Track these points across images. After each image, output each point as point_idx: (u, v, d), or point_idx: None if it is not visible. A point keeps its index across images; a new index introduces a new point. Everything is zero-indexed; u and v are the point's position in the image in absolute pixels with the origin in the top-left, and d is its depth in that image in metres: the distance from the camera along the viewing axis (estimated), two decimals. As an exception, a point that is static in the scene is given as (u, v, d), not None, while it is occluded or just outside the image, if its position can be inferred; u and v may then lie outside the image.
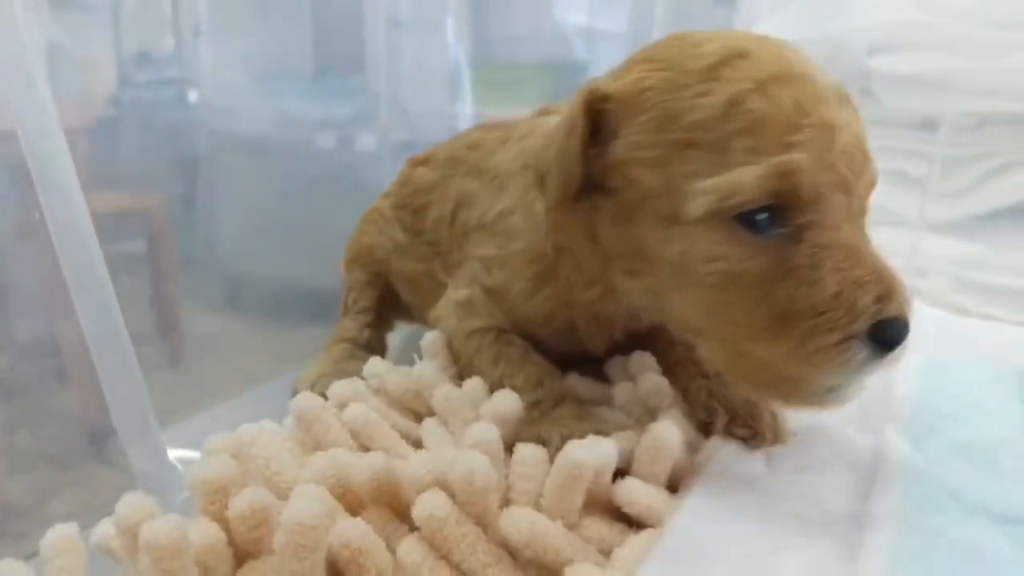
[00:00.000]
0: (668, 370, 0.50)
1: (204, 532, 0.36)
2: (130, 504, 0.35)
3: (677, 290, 0.40)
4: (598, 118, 0.41)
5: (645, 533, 0.39)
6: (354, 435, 0.46)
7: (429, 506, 0.36)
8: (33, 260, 1.83)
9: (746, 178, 0.35)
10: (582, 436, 0.41)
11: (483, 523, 0.37)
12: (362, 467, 0.37)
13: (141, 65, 2.42)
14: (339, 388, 0.51)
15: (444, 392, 0.49)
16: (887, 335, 0.35)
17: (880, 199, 1.01)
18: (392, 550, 0.37)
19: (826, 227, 0.36)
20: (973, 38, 0.91)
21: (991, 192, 0.92)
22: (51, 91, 2.02)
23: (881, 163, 0.98)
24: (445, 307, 0.54)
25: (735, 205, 0.36)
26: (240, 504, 0.35)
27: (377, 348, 0.67)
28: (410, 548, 0.36)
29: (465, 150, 0.59)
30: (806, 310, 0.35)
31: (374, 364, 0.54)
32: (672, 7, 1.83)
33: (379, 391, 0.51)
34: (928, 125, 0.96)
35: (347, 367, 0.60)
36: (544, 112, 0.56)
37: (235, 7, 2.34)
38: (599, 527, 0.39)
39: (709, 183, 0.36)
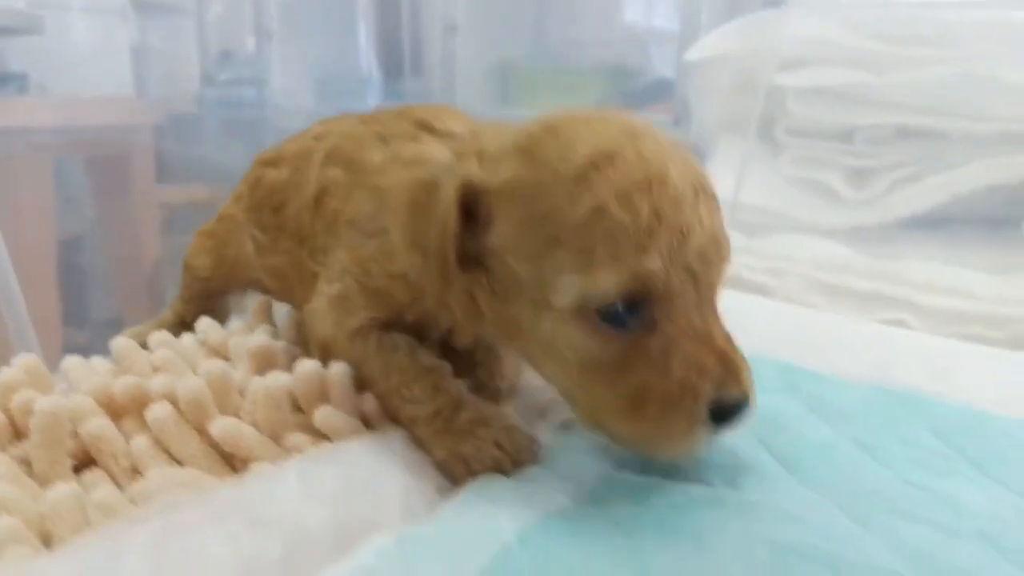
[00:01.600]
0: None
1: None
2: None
3: (547, 362, 0.46)
4: (473, 204, 0.44)
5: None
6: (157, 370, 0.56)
7: (157, 410, 0.49)
8: (109, 247, 2.07)
9: (604, 281, 0.40)
10: (492, 442, 0.46)
11: (200, 428, 0.50)
12: (122, 383, 0.51)
13: (223, 65, 2.66)
14: (157, 335, 0.62)
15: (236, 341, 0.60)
16: (726, 416, 0.41)
17: (787, 206, 1.08)
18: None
19: (676, 319, 0.41)
20: (883, 55, 0.96)
21: (898, 201, 0.96)
22: (139, 88, 2.26)
23: (796, 172, 1.05)
24: (319, 302, 0.56)
25: (595, 302, 0.41)
26: (20, 399, 0.49)
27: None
28: (139, 440, 0.49)
29: (312, 141, 0.62)
30: (656, 396, 0.41)
31: (203, 321, 0.66)
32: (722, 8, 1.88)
33: (203, 343, 0.63)
34: (843, 136, 1.01)
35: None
36: (405, 115, 0.57)
37: (304, 12, 2.54)
38: (302, 440, 0.51)
39: (574, 281, 0.41)
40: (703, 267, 0.41)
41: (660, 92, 2.23)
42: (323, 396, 0.51)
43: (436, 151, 0.52)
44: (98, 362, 0.58)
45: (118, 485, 0.48)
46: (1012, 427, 0.50)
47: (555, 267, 0.42)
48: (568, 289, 0.41)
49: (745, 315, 0.65)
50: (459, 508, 0.42)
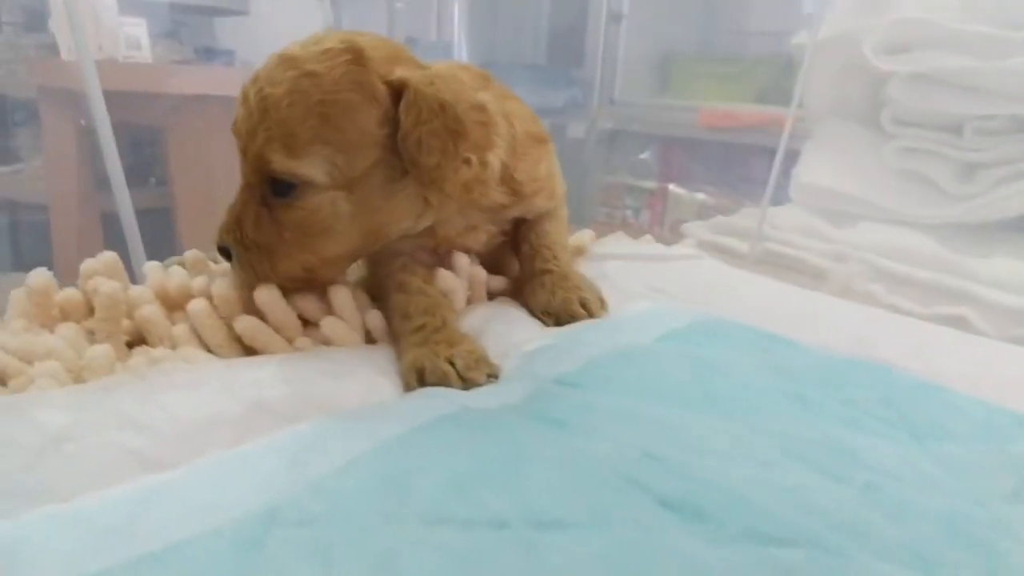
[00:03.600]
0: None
1: (68, 291, 0.60)
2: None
3: None
4: None
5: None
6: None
7: (194, 305, 0.59)
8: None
9: None
10: (446, 360, 0.52)
11: (229, 323, 0.59)
12: (175, 281, 0.62)
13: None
14: None
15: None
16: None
17: (882, 196, 1.02)
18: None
19: None
20: (992, 39, 0.90)
21: (1002, 199, 0.90)
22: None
23: (900, 162, 1.00)
24: None
25: None
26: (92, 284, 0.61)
27: None
28: (180, 327, 0.59)
29: None
30: None
31: None
32: None
33: None
34: (952, 127, 0.96)
35: None
36: None
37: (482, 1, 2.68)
38: (309, 343, 0.59)
39: None
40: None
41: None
42: (329, 310, 0.59)
43: None
44: (175, 270, 0.70)
45: (160, 362, 0.59)
46: (967, 404, 0.48)
47: None
48: None
49: (749, 293, 0.67)
50: (397, 399, 0.48)
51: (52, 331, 0.58)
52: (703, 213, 2.26)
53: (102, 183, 1.94)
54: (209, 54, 2.27)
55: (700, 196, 2.27)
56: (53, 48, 1.85)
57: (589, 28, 2.52)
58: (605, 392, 0.47)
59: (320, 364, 0.52)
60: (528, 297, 0.66)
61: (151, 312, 0.58)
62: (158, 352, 0.54)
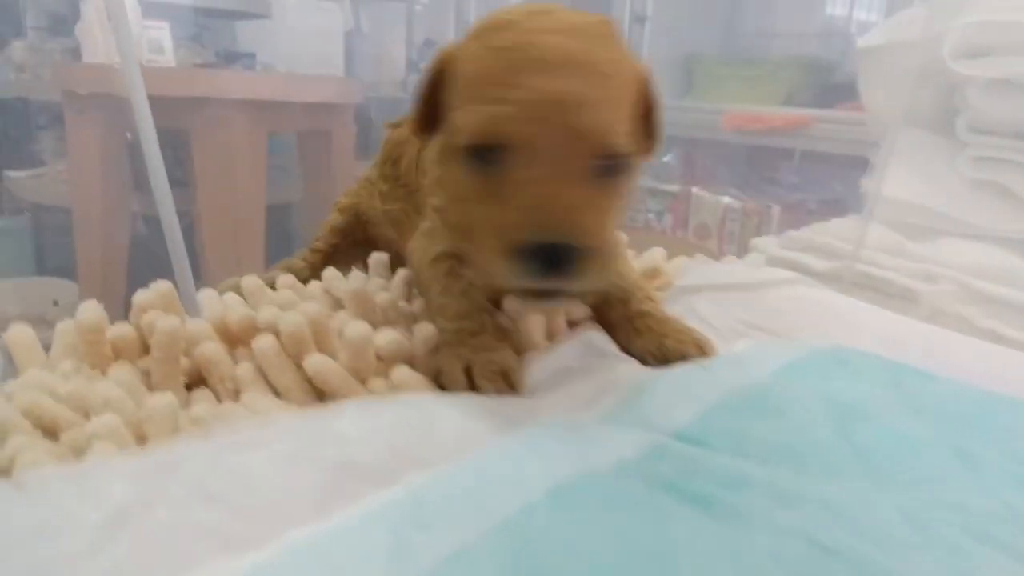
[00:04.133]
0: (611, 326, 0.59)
1: (121, 327, 0.54)
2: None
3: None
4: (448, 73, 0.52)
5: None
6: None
7: (261, 342, 0.52)
8: (312, 214, 2.23)
9: (464, 121, 0.47)
10: (464, 368, 0.50)
11: (298, 362, 0.53)
12: (237, 314, 0.55)
13: (425, 52, 2.79)
14: (284, 278, 0.67)
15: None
16: (546, 259, 0.43)
17: (959, 209, 0.95)
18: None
19: (529, 170, 0.44)
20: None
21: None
22: (348, 70, 2.40)
23: (976, 172, 0.94)
24: (415, 238, 0.63)
25: (461, 140, 0.47)
26: (148, 319, 0.54)
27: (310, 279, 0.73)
28: (244, 366, 0.52)
29: None
30: (489, 228, 0.45)
31: (329, 270, 0.68)
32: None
33: (327, 291, 0.65)
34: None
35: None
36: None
37: (499, 2, 2.61)
38: (383, 386, 0.52)
39: (454, 119, 0.49)
40: (564, 132, 0.43)
41: (857, 89, 2.07)
42: (404, 357, 0.53)
43: None
44: (230, 297, 0.63)
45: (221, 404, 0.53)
46: None
47: (453, 113, 0.48)
48: (451, 128, 0.48)
49: (858, 320, 0.60)
50: (497, 453, 0.42)
51: (104, 372, 0.52)
52: (728, 216, 2.20)
53: (128, 187, 1.90)
54: (230, 57, 2.22)
55: (725, 199, 2.20)
56: (77, 52, 1.82)
57: (612, 29, 2.45)
58: (738, 455, 0.41)
59: (402, 411, 0.46)
60: (625, 342, 0.59)
61: (212, 351, 0.52)
62: (224, 406, 0.47)
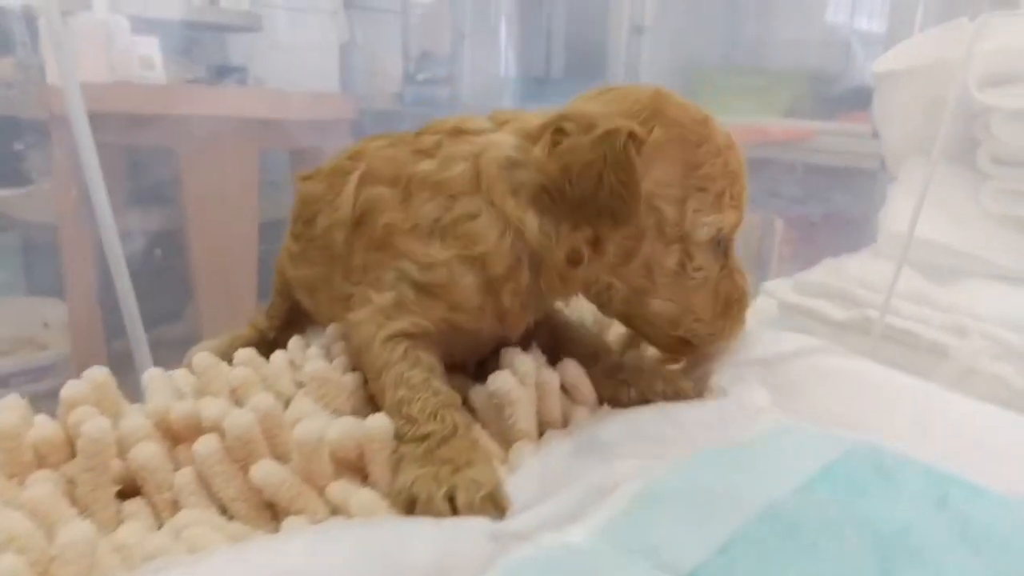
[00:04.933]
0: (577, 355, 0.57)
1: (44, 428, 0.46)
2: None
3: (663, 288, 0.54)
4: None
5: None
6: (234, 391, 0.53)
7: (203, 445, 0.44)
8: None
9: (730, 220, 0.53)
10: (446, 495, 0.42)
11: (246, 467, 0.44)
12: (178, 410, 0.47)
13: (421, 64, 2.70)
14: (242, 353, 0.56)
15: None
16: None
17: (983, 248, 0.87)
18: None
19: (733, 249, 0.56)
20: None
21: None
22: (344, 83, 2.33)
23: (1000, 207, 0.85)
24: (364, 312, 0.53)
25: (720, 235, 0.53)
26: (76, 417, 0.46)
27: (278, 344, 0.65)
28: (184, 474, 0.43)
29: (347, 161, 0.60)
30: (737, 301, 0.57)
31: (294, 341, 0.60)
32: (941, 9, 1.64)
33: (292, 363, 0.57)
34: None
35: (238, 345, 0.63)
36: (429, 131, 0.56)
37: (493, 14, 2.52)
38: (344, 491, 0.44)
39: (713, 219, 0.52)
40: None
41: (859, 100, 1.99)
42: (359, 456, 0.45)
43: (499, 138, 0.53)
44: (181, 375, 0.55)
45: (159, 517, 0.44)
46: None
47: (697, 207, 0.51)
48: (708, 225, 0.52)
49: (891, 396, 0.52)
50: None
51: (23, 481, 0.44)
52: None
53: (119, 206, 1.85)
54: (222, 72, 2.14)
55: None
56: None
57: (610, 40, 2.37)
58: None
59: (366, 536, 0.38)
60: (607, 392, 0.56)
61: (147, 456, 0.44)
62: (153, 538, 0.39)
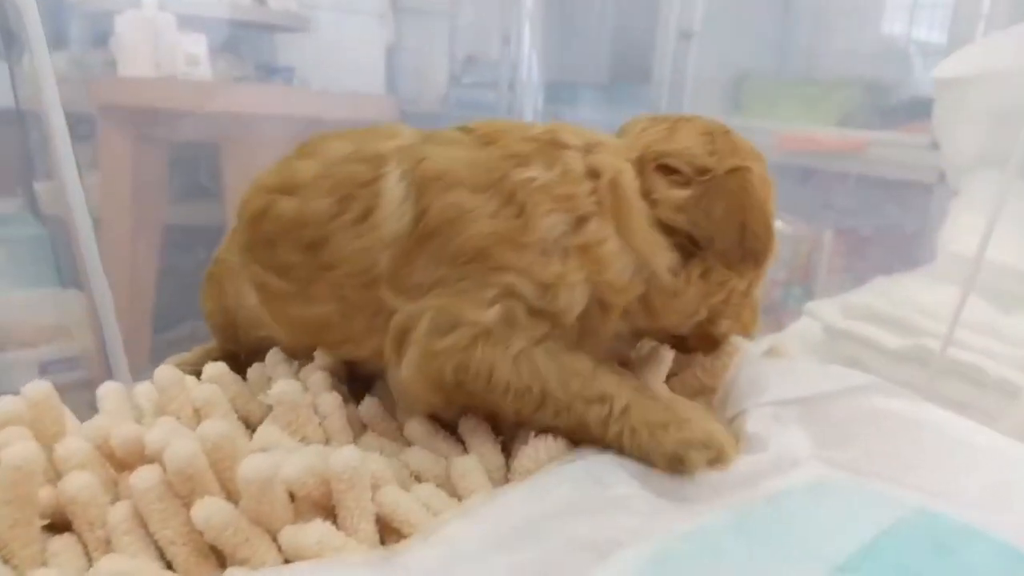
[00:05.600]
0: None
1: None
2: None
3: (733, 309, 0.53)
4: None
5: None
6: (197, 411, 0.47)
7: (140, 479, 0.38)
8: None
9: None
10: (703, 440, 0.42)
11: (188, 504, 0.38)
12: (120, 435, 0.40)
13: (467, 67, 2.65)
14: (211, 369, 0.50)
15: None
16: None
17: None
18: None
19: None
20: None
21: None
22: (390, 84, 2.32)
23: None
24: (459, 337, 0.45)
25: None
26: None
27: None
28: (119, 510, 0.37)
29: (360, 165, 0.51)
30: None
31: (272, 355, 0.53)
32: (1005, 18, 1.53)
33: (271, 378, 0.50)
34: None
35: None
36: (561, 144, 0.49)
37: (543, 18, 2.45)
38: (298, 537, 0.37)
39: None
40: None
41: (917, 111, 1.87)
42: (324, 494, 0.37)
43: (616, 163, 0.49)
44: (142, 389, 0.49)
45: (90, 558, 0.38)
46: None
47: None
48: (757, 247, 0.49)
49: (955, 447, 0.43)
50: None
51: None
52: (779, 242, 2.01)
53: (161, 201, 1.85)
54: (269, 71, 2.12)
55: (776, 224, 2.01)
56: (114, 65, 1.72)
57: (657, 45, 2.28)
58: None
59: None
60: None
61: (78, 487, 0.38)
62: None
